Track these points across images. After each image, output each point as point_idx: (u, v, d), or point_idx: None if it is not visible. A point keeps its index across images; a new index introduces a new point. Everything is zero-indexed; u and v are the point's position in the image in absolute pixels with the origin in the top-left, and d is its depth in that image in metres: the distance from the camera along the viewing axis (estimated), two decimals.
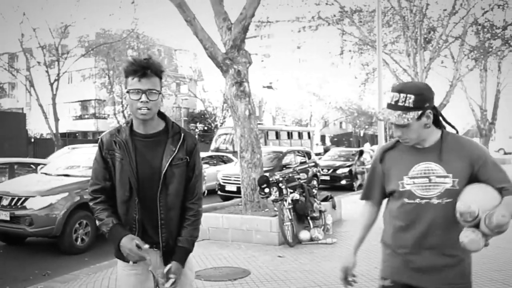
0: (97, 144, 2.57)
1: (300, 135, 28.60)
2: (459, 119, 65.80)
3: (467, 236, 1.94)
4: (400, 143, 2.24)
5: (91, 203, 2.49)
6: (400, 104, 2.06)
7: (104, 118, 39.72)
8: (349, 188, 16.35)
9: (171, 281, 2.38)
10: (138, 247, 2.33)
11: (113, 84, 32.13)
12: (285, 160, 14.62)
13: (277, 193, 7.63)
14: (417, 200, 2.12)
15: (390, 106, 2.09)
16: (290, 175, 9.54)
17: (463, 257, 2.16)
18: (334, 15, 20.32)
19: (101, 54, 30.06)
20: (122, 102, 32.39)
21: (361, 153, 19.27)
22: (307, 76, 54.02)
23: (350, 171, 17.07)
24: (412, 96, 2.04)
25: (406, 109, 2.05)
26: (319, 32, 20.74)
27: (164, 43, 43.00)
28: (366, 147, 29.05)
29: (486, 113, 30.88)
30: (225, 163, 15.79)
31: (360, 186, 17.05)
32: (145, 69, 2.33)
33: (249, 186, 8.09)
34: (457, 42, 21.35)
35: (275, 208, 7.52)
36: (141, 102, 2.32)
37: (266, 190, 7.56)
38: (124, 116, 32.78)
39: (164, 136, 2.49)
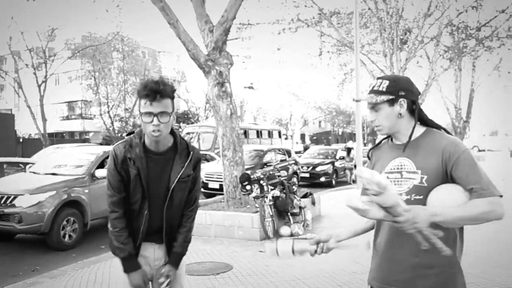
0: (82, 144, 2.66)
1: (270, 134, 28.35)
2: (434, 118, 66.77)
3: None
4: (386, 141, 2.21)
5: (111, 216, 2.56)
6: (375, 88, 2.05)
7: (90, 118, 39.88)
8: (328, 185, 16.54)
9: (165, 283, 2.58)
10: (145, 283, 2.56)
11: (99, 85, 32.43)
12: (266, 158, 14.72)
13: (258, 190, 7.72)
14: None
15: (368, 92, 2.09)
16: (271, 172, 9.63)
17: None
18: (313, 17, 20.46)
19: (87, 57, 30.44)
20: (107, 103, 32.81)
21: (349, 150, 19.64)
22: (287, 77, 54.30)
23: (329, 168, 17.27)
24: (387, 82, 2.04)
25: (379, 93, 2.03)
26: (299, 34, 20.82)
27: (149, 45, 43.11)
28: (350, 144, 29.29)
29: (461, 112, 31.39)
30: (208, 161, 15.82)
31: (353, 181, 17.34)
32: (156, 93, 2.38)
33: (231, 184, 8.18)
34: (432, 42, 21.64)
35: (256, 205, 7.60)
36: (153, 125, 2.39)
37: (248, 187, 7.65)
38: (109, 117, 32.97)
39: (173, 152, 2.60)
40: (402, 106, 2.03)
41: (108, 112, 32.91)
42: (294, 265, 5.72)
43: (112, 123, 33.31)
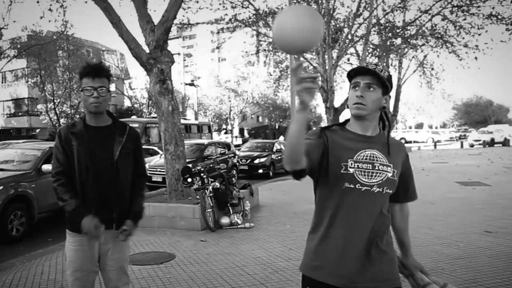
0: (29, 140, 2.74)
1: (199, 129, 28.23)
2: None
3: None
4: (339, 129, 2.03)
5: (54, 184, 2.70)
6: (378, 70, 1.92)
7: (37, 115, 38.81)
8: (265, 177, 16.75)
9: (125, 232, 2.76)
10: (96, 227, 2.62)
11: (45, 83, 32.00)
12: (207, 152, 14.71)
13: (200, 182, 7.73)
14: (358, 186, 1.89)
15: (370, 68, 1.92)
16: (211, 165, 9.64)
17: (392, 255, 2.01)
18: (250, 17, 20.58)
19: (33, 55, 29.76)
20: (53, 100, 32.49)
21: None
22: (227, 74, 54.34)
23: (267, 160, 17.49)
24: (387, 73, 1.97)
25: (381, 78, 1.93)
26: (237, 33, 20.89)
27: (93, 44, 42.44)
28: (281, 139, 29.71)
29: (389, 106, 32.69)
30: (152, 155, 15.58)
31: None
32: (96, 70, 2.67)
33: (173, 177, 8.14)
34: (362, 41, 22.38)
35: (198, 196, 7.62)
36: (93, 97, 2.65)
37: (189, 180, 7.65)
38: (56, 113, 32.33)
39: (112, 129, 2.81)
40: (386, 101, 1.99)
41: (54, 109, 32.85)
42: (233, 253, 5.82)
43: (58, 119, 32.86)
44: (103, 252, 2.78)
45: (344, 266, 1.89)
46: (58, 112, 32.70)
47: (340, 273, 1.88)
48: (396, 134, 55.16)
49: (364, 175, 1.90)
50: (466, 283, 4.42)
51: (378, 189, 1.90)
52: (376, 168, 1.91)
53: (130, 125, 2.97)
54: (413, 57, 29.40)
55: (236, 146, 28.19)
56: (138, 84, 40.99)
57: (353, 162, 1.90)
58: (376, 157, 1.93)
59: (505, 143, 37.36)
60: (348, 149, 1.94)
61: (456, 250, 5.67)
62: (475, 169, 16.15)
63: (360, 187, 1.89)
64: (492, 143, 36.87)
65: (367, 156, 1.93)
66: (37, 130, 40.04)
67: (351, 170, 1.89)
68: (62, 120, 32.92)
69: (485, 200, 9.36)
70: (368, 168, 1.91)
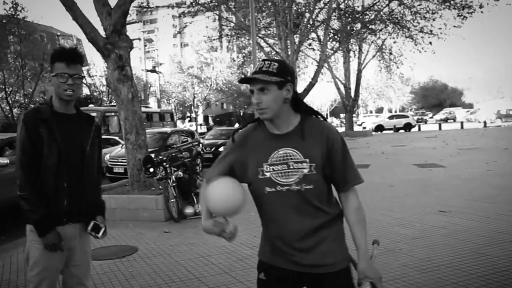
0: None
1: (161, 117, 27.74)
2: (326, 97, 70.04)
3: None
4: (253, 129, 2.06)
5: (19, 180, 2.52)
6: (264, 69, 1.89)
7: None
8: None
9: (102, 230, 2.72)
10: (59, 242, 2.55)
11: None
12: (170, 141, 14.52)
13: (162, 172, 7.62)
14: (278, 188, 1.91)
15: (255, 73, 1.91)
16: (174, 154, 9.52)
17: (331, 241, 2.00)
18: (211, 1, 20.31)
19: None
20: (5, 88, 29.99)
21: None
22: (189, 60, 53.57)
23: None
24: (276, 64, 1.90)
25: (270, 73, 1.87)
26: (199, 18, 20.59)
27: (47, 29, 40.13)
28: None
29: (350, 91, 33.14)
30: (112, 145, 15.24)
31: None
32: (72, 56, 2.58)
33: (135, 167, 7.98)
34: (323, 26, 22.48)
35: (160, 187, 7.51)
36: (68, 84, 2.55)
37: (151, 170, 7.53)
38: (8, 103, 30.39)
39: (77, 118, 2.72)
40: (289, 91, 1.92)
41: (6, 98, 30.44)
42: (197, 243, 5.78)
43: (10, 109, 30.83)
44: (70, 248, 2.67)
45: (283, 255, 1.99)
46: (10, 101, 30.48)
47: (283, 260, 2.00)
48: (358, 119, 56.11)
49: (282, 176, 1.91)
50: (421, 261, 4.56)
51: (297, 187, 1.90)
52: (291, 167, 1.90)
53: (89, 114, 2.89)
54: (372, 42, 29.86)
55: (201, 134, 27.95)
56: (96, 71, 39.34)
57: (268, 166, 1.92)
58: (290, 156, 1.91)
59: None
60: (261, 152, 1.95)
61: (413, 230, 5.84)
62: (431, 151, 16.63)
63: (280, 188, 1.92)
64: None
65: (280, 156, 1.92)
66: None
67: (268, 174, 1.92)
68: (15, 110, 31.34)
69: (440, 181, 9.66)
70: (284, 168, 1.91)
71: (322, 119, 2.04)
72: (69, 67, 2.55)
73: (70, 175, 2.59)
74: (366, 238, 1.98)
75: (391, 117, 41.90)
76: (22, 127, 2.54)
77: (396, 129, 37.08)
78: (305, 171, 1.89)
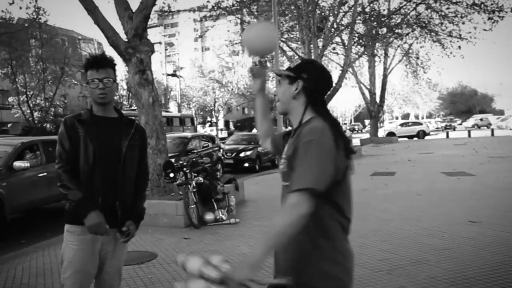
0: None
1: (182, 122, 27.73)
2: (351, 102, 69.49)
3: None
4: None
5: (58, 170, 2.66)
6: (290, 65, 2.05)
7: (8, 108, 36.78)
8: (251, 170, 16.67)
9: (127, 233, 2.72)
10: (102, 223, 2.58)
11: (16, 74, 30.32)
12: (190, 146, 14.60)
13: (183, 177, 7.65)
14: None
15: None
16: (194, 159, 9.56)
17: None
18: (233, 5, 20.42)
19: (2, 44, 28.12)
20: (26, 92, 30.68)
21: None
22: (210, 64, 53.89)
23: (253, 154, 17.40)
24: (299, 61, 2.04)
25: (287, 69, 2.02)
26: (220, 22, 20.71)
27: (68, 33, 40.87)
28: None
29: (375, 96, 32.82)
30: None
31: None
32: (100, 61, 2.72)
33: (155, 172, 8.04)
34: (347, 30, 22.34)
35: (181, 192, 7.54)
36: (99, 89, 2.68)
37: (171, 175, 7.55)
38: (29, 106, 30.94)
39: (119, 122, 2.84)
40: (298, 87, 1.97)
41: (27, 101, 31.24)
42: (218, 250, 5.77)
43: (31, 113, 31.40)
44: (104, 253, 2.72)
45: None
46: (31, 105, 31.17)
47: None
48: (383, 125, 55.07)
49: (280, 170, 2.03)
50: (451, 274, 4.44)
51: (283, 183, 1.97)
52: (281, 163, 2.02)
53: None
54: (398, 46, 29.56)
55: (221, 139, 28.05)
56: (117, 74, 40.07)
57: (282, 159, 2.03)
58: (284, 152, 2.01)
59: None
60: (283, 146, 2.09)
61: (441, 241, 5.71)
62: (460, 159, 16.32)
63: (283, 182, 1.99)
64: None
65: (285, 151, 2.02)
66: (9, 125, 38.36)
67: (281, 167, 2.02)
68: (36, 114, 31.82)
69: (469, 190, 9.46)
70: (280, 163, 2.02)
71: (329, 121, 1.91)
72: (98, 72, 2.69)
73: (105, 175, 2.66)
74: (263, 247, 1.82)
75: (403, 124, 40.94)
76: (62, 128, 2.72)
77: (409, 137, 36.47)
78: (281, 167, 1.98)
